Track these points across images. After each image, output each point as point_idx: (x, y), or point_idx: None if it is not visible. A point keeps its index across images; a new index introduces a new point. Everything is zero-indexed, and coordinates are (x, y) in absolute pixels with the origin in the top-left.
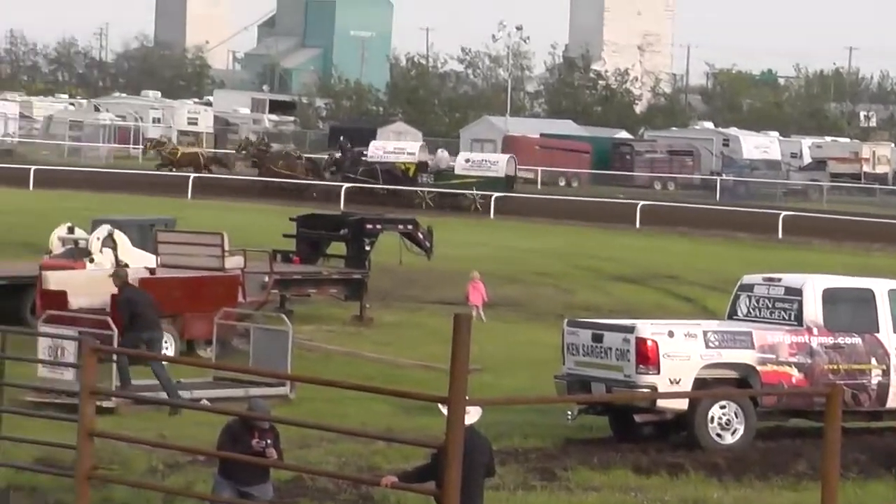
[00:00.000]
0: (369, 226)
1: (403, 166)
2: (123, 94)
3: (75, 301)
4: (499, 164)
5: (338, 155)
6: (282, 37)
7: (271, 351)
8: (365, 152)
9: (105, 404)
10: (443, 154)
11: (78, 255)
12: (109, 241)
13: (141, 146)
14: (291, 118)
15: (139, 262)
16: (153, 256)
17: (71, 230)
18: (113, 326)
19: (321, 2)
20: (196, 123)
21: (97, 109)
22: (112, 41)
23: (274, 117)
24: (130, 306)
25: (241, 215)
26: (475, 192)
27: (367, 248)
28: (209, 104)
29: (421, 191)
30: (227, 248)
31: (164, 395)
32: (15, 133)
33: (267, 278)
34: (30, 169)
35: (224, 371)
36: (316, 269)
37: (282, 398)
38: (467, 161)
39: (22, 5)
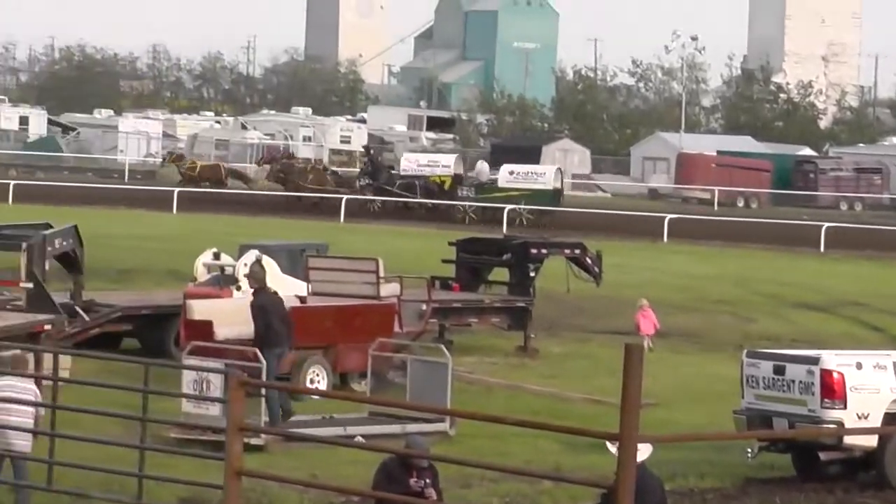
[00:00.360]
0: (534, 250)
1: (439, 179)
2: (272, 111)
3: (221, 331)
4: (546, 175)
5: (367, 165)
6: (440, 49)
7: (430, 384)
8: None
9: (253, 441)
10: (483, 166)
11: (224, 282)
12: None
13: (159, 160)
14: (450, 136)
15: (289, 289)
16: (304, 284)
17: (217, 256)
18: (262, 358)
19: (482, 12)
20: (349, 142)
21: (244, 127)
22: (260, 55)
23: (432, 135)
24: (264, 315)
25: (395, 240)
26: (522, 205)
27: (532, 274)
28: (363, 121)
29: (462, 205)
30: (382, 274)
31: (317, 431)
32: (158, 153)
33: (425, 307)
34: (173, 191)
35: (380, 406)
36: (477, 297)
37: (441, 435)
38: (511, 173)
39: (165, 19)
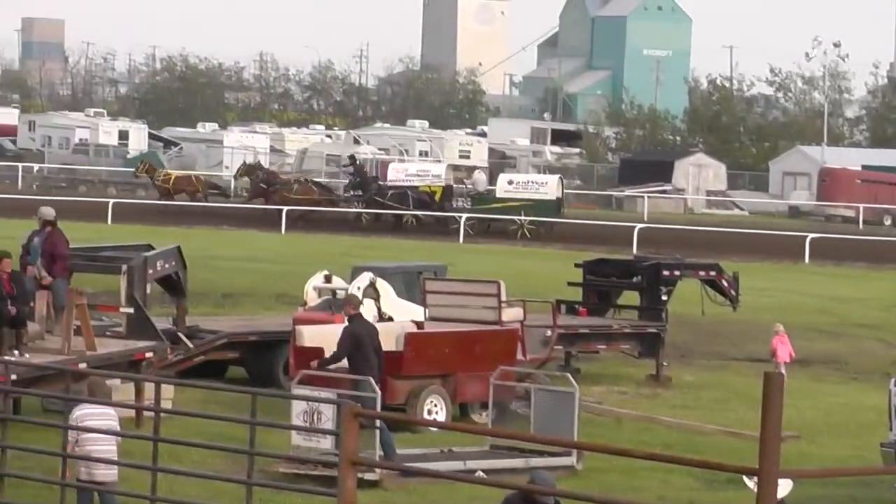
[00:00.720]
0: (666, 272)
1: (430, 190)
2: (386, 124)
3: None
4: (548, 185)
5: (354, 177)
6: (565, 57)
7: (555, 415)
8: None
9: (368, 476)
10: (480, 176)
11: (336, 307)
12: (371, 291)
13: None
14: (576, 150)
15: (405, 314)
16: (421, 308)
17: (328, 279)
18: (376, 388)
19: (610, 17)
20: (468, 157)
21: (357, 141)
22: (373, 65)
23: (557, 149)
24: (356, 343)
25: (518, 261)
26: (523, 216)
27: (664, 297)
28: (483, 135)
29: (458, 216)
30: (504, 298)
31: (435, 465)
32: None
33: (550, 332)
34: (281, 209)
35: (502, 438)
36: (605, 322)
37: (568, 469)
38: (511, 183)
39: (273, 27)
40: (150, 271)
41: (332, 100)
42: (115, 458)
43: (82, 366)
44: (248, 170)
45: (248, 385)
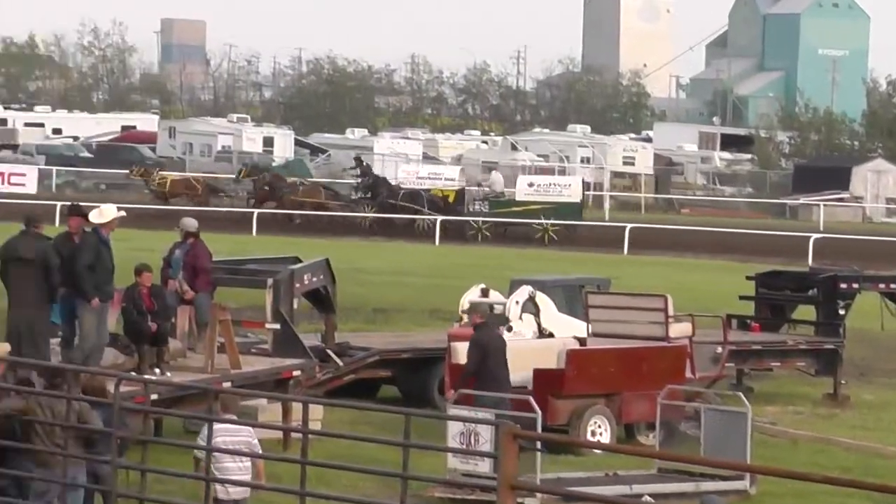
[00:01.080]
0: (844, 285)
1: (441, 193)
2: (545, 129)
3: None
4: (572, 187)
5: (360, 179)
6: (735, 58)
7: (726, 437)
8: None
9: (528, 501)
10: (497, 177)
11: (493, 322)
12: (531, 306)
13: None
14: (748, 156)
15: (566, 329)
16: (583, 324)
17: (485, 293)
18: (536, 408)
19: (782, 15)
20: (633, 163)
21: (514, 147)
22: (531, 67)
23: (727, 155)
24: (482, 353)
25: (687, 274)
26: (544, 220)
27: (842, 311)
28: (648, 140)
29: (475, 221)
30: (671, 313)
31: (599, 489)
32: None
33: (720, 349)
34: (435, 219)
35: (670, 461)
36: (779, 338)
37: (740, 494)
38: (531, 185)
39: (426, 27)
40: (298, 285)
41: (488, 104)
42: (249, 475)
43: (226, 385)
44: (251, 171)
45: (401, 405)
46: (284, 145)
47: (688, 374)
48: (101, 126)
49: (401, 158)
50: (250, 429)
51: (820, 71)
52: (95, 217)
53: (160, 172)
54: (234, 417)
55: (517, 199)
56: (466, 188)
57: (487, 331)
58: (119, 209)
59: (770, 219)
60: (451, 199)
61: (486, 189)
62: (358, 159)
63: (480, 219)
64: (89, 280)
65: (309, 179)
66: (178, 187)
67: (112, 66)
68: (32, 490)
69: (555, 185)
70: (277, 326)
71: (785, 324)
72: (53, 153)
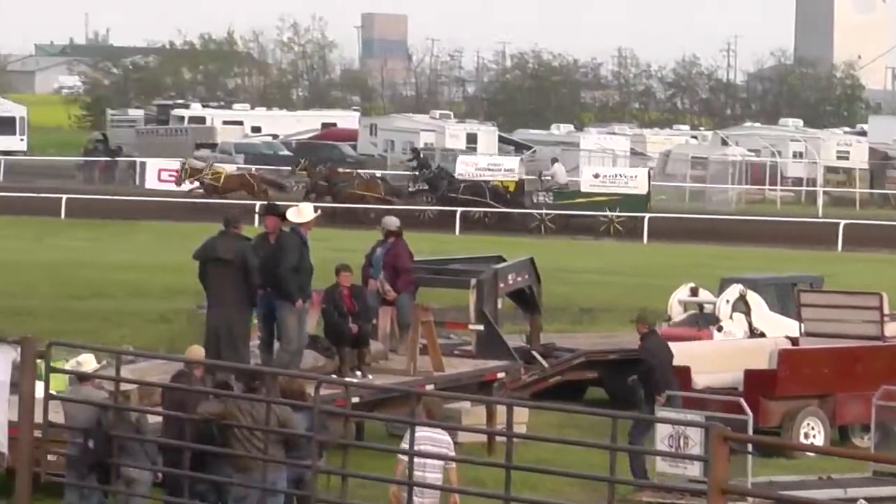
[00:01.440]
0: None
1: (502, 185)
2: (756, 124)
3: (700, 378)
4: (638, 178)
5: (419, 173)
6: None
7: None
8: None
9: None
10: (559, 168)
11: (702, 321)
12: (741, 305)
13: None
14: None
15: (778, 329)
16: (795, 323)
17: (694, 292)
18: (747, 410)
19: None
20: (847, 157)
21: (724, 143)
22: (742, 59)
23: None
24: (648, 359)
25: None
26: (610, 212)
27: None
28: (863, 133)
29: (539, 213)
30: (886, 311)
31: (812, 493)
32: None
33: None
34: (643, 217)
35: (886, 464)
36: None
37: None
38: (597, 177)
39: (634, 20)
40: (501, 285)
41: (698, 97)
42: (440, 484)
43: (429, 387)
44: (306, 165)
45: (608, 407)
46: (488, 142)
47: None
48: (301, 124)
49: (607, 155)
50: (450, 440)
51: None
52: (294, 216)
53: (214, 166)
54: (440, 430)
55: (582, 190)
56: (526, 179)
57: (655, 339)
58: (315, 209)
59: None
60: (511, 191)
61: (548, 180)
62: (415, 151)
63: (543, 211)
64: (294, 282)
65: (366, 172)
66: (233, 183)
67: (312, 62)
68: (232, 495)
69: (621, 176)
70: (481, 328)
71: None
72: (252, 152)
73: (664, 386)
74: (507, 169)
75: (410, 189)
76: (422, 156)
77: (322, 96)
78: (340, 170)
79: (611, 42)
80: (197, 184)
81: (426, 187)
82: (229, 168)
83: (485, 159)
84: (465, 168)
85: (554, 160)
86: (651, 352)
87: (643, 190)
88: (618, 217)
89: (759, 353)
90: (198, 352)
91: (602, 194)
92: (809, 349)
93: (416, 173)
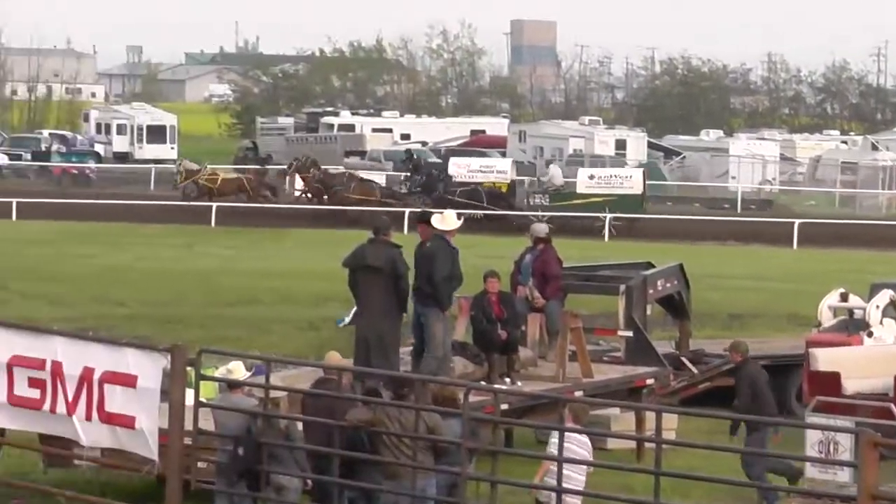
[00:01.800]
0: None
1: (494, 186)
2: None
3: (850, 384)
4: (633, 178)
5: (415, 175)
6: None
7: None
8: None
9: None
10: (556, 170)
11: (853, 327)
12: (892, 310)
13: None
14: None
15: None
16: None
17: (844, 297)
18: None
19: None
20: None
21: (874, 148)
22: (893, 64)
23: None
24: (751, 384)
25: None
26: (607, 213)
27: None
28: None
29: (535, 215)
30: None
31: None
32: (775, 179)
33: None
34: (793, 223)
35: None
36: None
37: None
38: (592, 178)
39: (782, 25)
40: (651, 291)
41: (848, 102)
42: (582, 489)
43: (578, 394)
44: (301, 167)
45: None
46: (637, 148)
47: None
48: (451, 131)
49: (757, 160)
50: (589, 443)
51: None
52: (438, 223)
53: (209, 167)
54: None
55: (578, 191)
56: (517, 181)
57: (754, 365)
58: (459, 216)
59: None
60: (503, 192)
61: (544, 181)
62: (408, 153)
63: (539, 213)
64: (447, 290)
65: (357, 174)
66: (230, 185)
67: (461, 69)
68: (381, 502)
69: (616, 176)
70: (630, 334)
71: None
72: (401, 159)
73: (770, 411)
74: (499, 171)
75: (403, 191)
76: (416, 158)
77: (471, 103)
78: (334, 172)
79: (760, 47)
80: (193, 185)
81: (420, 189)
82: (226, 170)
83: (477, 161)
84: (458, 170)
85: (548, 162)
86: (751, 377)
87: (638, 190)
88: (615, 218)
89: None
90: (336, 358)
91: (598, 195)
92: None
93: (419, 177)
